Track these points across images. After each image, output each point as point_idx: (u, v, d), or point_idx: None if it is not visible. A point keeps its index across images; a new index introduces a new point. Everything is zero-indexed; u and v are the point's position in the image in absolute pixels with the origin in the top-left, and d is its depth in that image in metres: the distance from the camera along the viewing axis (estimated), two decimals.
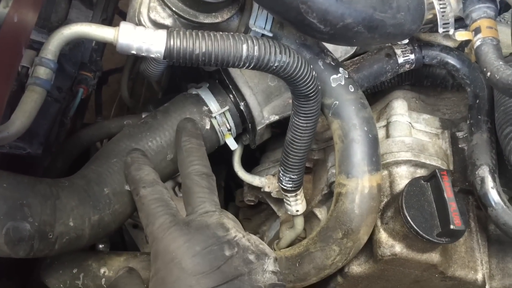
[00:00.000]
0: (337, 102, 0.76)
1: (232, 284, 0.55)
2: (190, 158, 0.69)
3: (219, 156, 0.97)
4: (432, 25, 0.84)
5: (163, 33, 0.63)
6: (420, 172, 0.83)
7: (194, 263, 0.55)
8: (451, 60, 0.90)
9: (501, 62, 0.68)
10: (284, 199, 0.90)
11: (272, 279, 0.58)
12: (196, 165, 0.68)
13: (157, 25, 0.70)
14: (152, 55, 0.63)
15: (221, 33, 0.65)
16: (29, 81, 0.64)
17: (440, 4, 0.78)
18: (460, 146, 0.87)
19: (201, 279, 0.55)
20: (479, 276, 0.81)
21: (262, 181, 0.97)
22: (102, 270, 0.77)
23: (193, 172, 0.67)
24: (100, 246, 0.86)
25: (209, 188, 0.66)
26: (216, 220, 0.61)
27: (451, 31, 0.79)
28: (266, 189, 0.97)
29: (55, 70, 0.66)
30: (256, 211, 1.20)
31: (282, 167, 0.83)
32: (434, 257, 0.77)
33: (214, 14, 0.70)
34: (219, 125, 0.85)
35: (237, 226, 0.63)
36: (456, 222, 0.70)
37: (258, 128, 0.87)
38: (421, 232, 0.72)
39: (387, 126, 0.89)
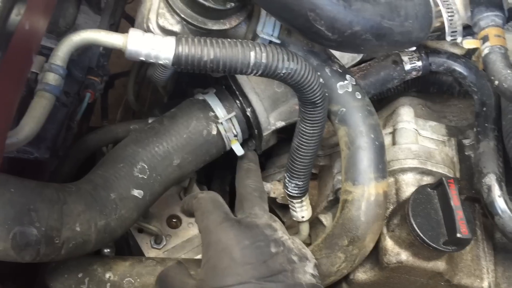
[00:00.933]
0: (344, 109, 0.76)
1: (276, 278, 0.59)
2: (248, 175, 0.80)
3: (224, 161, 0.97)
4: (440, 33, 0.84)
5: (171, 40, 0.63)
6: (427, 180, 0.83)
7: (243, 255, 0.60)
8: (458, 68, 0.90)
9: (509, 71, 0.68)
10: (290, 205, 0.89)
11: (312, 280, 0.62)
12: (253, 181, 0.78)
13: (166, 32, 0.70)
14: (160, 62, 0.64)
15: (229, 40, 0.65)
16: (38, 87, 0.64)
17: (448, 12, 0.78)
18: (466, 153, 0.87)
19: (249, 269, 0.59)
20: (485, 285, 0.81)
21: (268, 187, 0.97)
22: (107, 275, 0.77)
23: (248, 184, 0.76)
24: (106, 250, 0.86)
25: (261, 198, 0.73)
26: (265, 221, 0.66)
27: (459, 39, 0.79)
28: (272, 195, 0.96)
29: (64, 76, 0.66)
30: None
31: (288, 173, 0.83)
32: (440, 265, 0.77)
33: (222, 21, 0.70)
34: (225, 130, 0.84)
35: (284, 230, 0.67)
36: (462, 231, 0.70)
37: (264, 134, 0.87)
38: (427, 240, 0.71)
39: (393, 133, 0.89)
